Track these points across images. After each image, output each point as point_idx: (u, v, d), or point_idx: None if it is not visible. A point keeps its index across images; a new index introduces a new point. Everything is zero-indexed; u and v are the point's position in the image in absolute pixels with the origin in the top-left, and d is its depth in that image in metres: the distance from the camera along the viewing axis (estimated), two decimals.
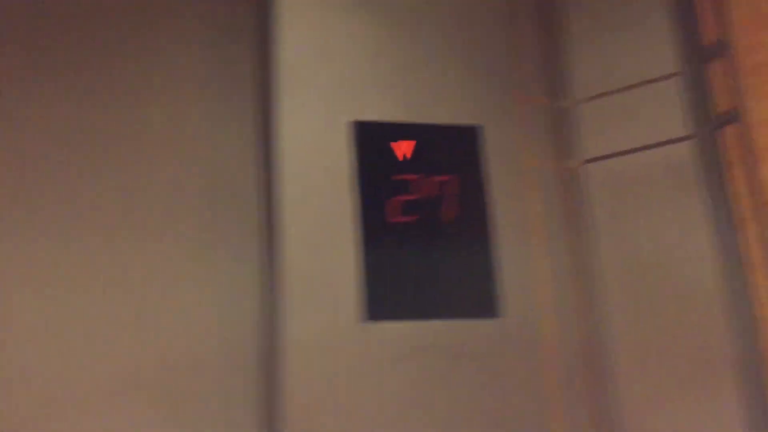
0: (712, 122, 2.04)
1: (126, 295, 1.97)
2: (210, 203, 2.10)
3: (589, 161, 2.23)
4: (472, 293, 2.03)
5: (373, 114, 2.09)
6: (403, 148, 2.10)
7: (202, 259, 2.05)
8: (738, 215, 1.94)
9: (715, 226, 1.99)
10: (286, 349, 1.85)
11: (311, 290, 1.90)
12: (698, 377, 1.95)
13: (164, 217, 2.05)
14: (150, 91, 2.13)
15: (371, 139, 2.07)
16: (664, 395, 1.98)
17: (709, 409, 1.91)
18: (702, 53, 2.09)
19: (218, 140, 2.17)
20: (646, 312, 2.05)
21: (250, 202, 2.15)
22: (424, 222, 2.05)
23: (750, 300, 1.90)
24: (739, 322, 1.91)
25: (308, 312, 1.88)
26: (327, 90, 2.06)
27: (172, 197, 2.07)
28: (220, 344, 2.03)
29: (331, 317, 1.90)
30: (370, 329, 1.91)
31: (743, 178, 1.93)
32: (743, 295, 1.91)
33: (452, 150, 2.14)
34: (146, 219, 2.03)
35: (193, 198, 2.09)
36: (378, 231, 2.00)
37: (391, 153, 2.08)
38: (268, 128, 2.11)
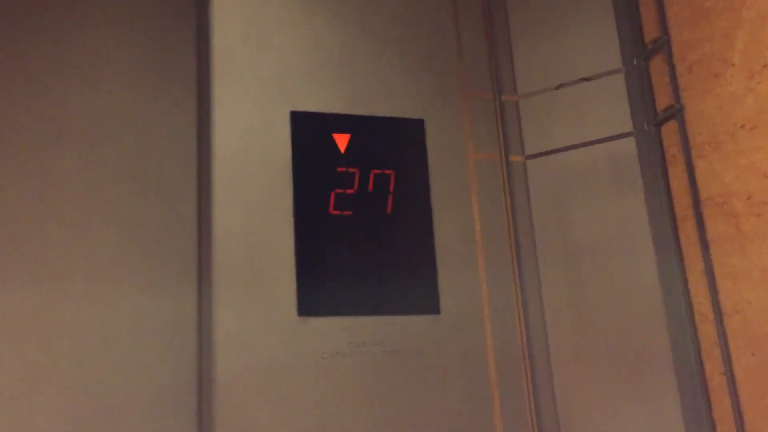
0: (654, 119, 2.04)
1: (49, 292, 1.89)
2: (140, 196, 2.03)
3: (531, 156, 2.21)
4: (411, 289, 1.99)
5: (313, 105, 2.05)
6: (344, 141, 2.05)
7: (131, 253, 1.98)
8: (678, 212, 1.94)
9: (655, 223, 1.98)
10: (218, 344, 1.80)
11: (244, 284, 1.85)
12: (636, 374, 1.94)
13: (88, 209, 1.97)
14: (71, 76, 2.05)
15: (311, 131, 2.02)
16: (602, 391, 1.97)
17: (648, 405, 1.90)
18: (644, 49, 2.09)
19: (149, 130, 2.10)
20: (584, 309, 2.04)
21: (183, 195, 2.08)
22: (363, 216, 2.01)
23: (687, 298, 1.89)
24: (677, 320, 1.90)
25: (241, 306, 1.83)
26: (264, 79, 2.01)
27: (97, 190, 1.99)
28: (151, 339, 1.96)
29: (265, 311, 1.85)
30: (305, 324, 1.87)
31: (682, 175, 1.92)
32: (681, 293, 1.91)
33: (394, 143, 2.10)
34: (68, 212, 1.95)
35: (121, 190, 2.02)
36: (316, 224, 1.95)
37: (332, 145, 2.04)
38: (204, 118, 2.05)
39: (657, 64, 2.04)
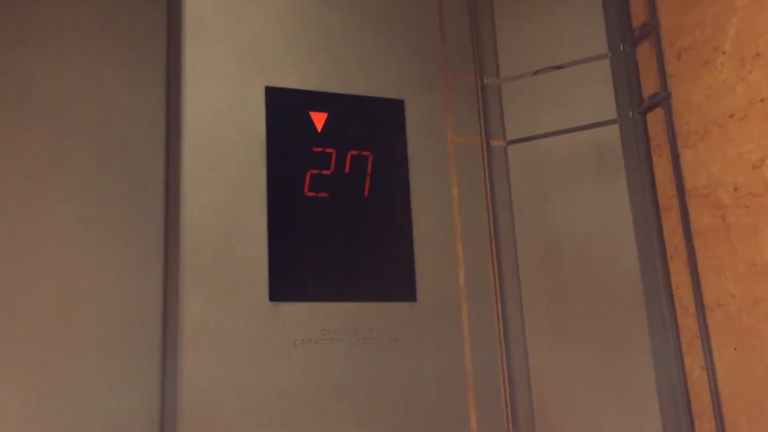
0: (640, 106, 1.99)
1: (4, 269, 1.79)
2: (104, 171, 1.93)
3: (512, 142, 2.15)
4: (387, 275, 1.93)
5: (290, 81, 1.96)
6: (321, 119, 1.97)
7: (94, 230, 1.88)
8: (662, 202, 1.90)
9: (638, 213, 1.94)
10: (184, 329, 1.72)
11: (213, 266, 1.76)
12: (614, 366, 1.90)
13: (49, 184, 1.87)
14: (32, 42, 1.93)
15: (287, 108, 1.94)
16: (579, 381, 1.93)
17: (625, 397, 1.86)
18: (632, 35, 2.04)
19: (116, 102, 1.99)
20: (562, 297, 1.99)
21: (151, 171, 1.98)
22: (339, 198, 1.93)
23: (668, 289, 1.86)
24: (657, 312, 1.86)
25: (209, 289, 1.75)
26: (238, 51, 1.92)
27: (59, 163, 1.89)
28: (114, 320, 1.86)
29: (234, 296, 1.77)
30: (276, 309, 1.79)
31: (667, 164, 1.88)
32: (662, 285, 1.87)
33: (372, 123, 2.02)
34: (28, 186, 1.84)
35: (85, 164, 1.91)
36: (290, 206, 1.87)
37: (309, 123, 1.96)
38: (174, 92, 1.95)
39: (644, 50, 1.99)
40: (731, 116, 1.68)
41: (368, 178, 1.97)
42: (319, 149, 1.94)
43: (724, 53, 1.71)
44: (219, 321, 1.74)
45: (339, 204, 1.93)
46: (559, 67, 2.13)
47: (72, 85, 1.95)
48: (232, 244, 1.79)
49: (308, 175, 1.91)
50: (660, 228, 1.89)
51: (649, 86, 1.96)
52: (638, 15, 2.01)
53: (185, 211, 1.78)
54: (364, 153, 1.99)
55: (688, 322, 1.79)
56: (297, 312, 1.81)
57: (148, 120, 2.02)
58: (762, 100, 1.59)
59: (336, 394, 1.79)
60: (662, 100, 1.90)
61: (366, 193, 1.96)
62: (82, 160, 1.91)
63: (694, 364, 1.77)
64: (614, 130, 2.02)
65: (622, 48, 2.05)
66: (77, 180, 1.89)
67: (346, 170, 1.96)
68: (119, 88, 2.00)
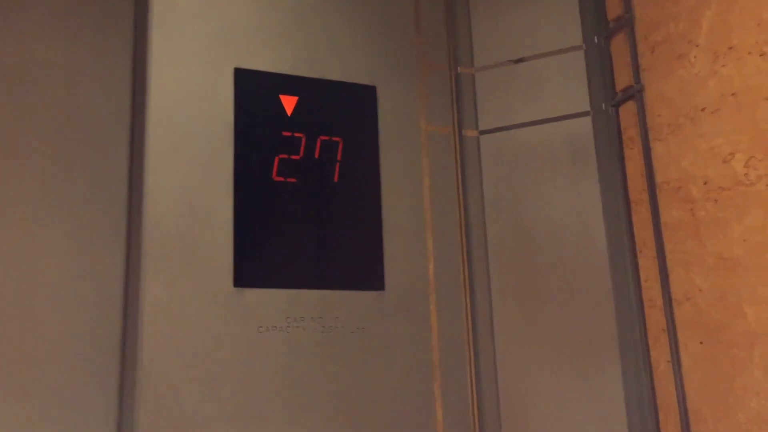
0: (613, 98, 1.98)
1: None
2: (66, 150, 1.87)
3: (485, 132, 2.13)
4: (354, 264, 1.90)
5: (260, 63, 1.92)
6: (291, 103, 1.93)
7: (55, 210, 1.83)
8: (632, 195, 1.89)
9: (609, 206, 1.93)
10: (144, 315, 1.67)
11: (176, 250, 1.72)
12: (581, 359, 1.90)
13: (10, 162, 1.81)
14: None
15: (256, 90, 1.90)
16: (546, 374, 1.92)
17: (591, 390, 1.86)
18: (607, 27, 2.03)
19: (80, 80, 1.93)
20: (531, 289, 1.98)
21: (114, 152, 1.93)
22: (308, 184, 1.90)
23: (637, 283, 1.85)
24: (625, 305, 1.86)
25: (172, 274, 1.70)
26: (207, 31, 1.87)
27: (20, 141, 1.83)
28: (73, 302, 1.81)
29: (198, 281, 1.73)
30: (240, 295, 1.75)
31: (638, 157, 1.87)
32: (631, 278, 1.86)
33: (343, 109, 1.99)
34: None
35: (47, 143, 1.86)
36: (257, 190, 1.84)
37: (278, 107, 1.92)
38: (140, 73, 1.90)
39: (619, 43, 1.98)
40: (703, 110, 1.67)
41: (338, 165, 1.94)
42: (289, 134, 1.91)
43: (697, 46, 1.70)
44: (181, 306, 1.69)
45: (308, 190, 1.90)
46: (531, 59, 2.11)
47: (34, 63, 1.89)
48: (196, 229, 1.75)
49: (277, 160, 1.88)
50: (630, 221, 1.88)
51: (623, 79, 1.95)
52: (613, 7, 2.00)
53: (149, 194, 1.74)
54: (334, 139, 1.95)
55: (655, 315, 1.78)
56: (262, 298, 1.77)
57: (113, 101, 1.96)
58: (734, 94, 1.59)
59: (301, 383, 1.76)
60: (635, 93, 1.89)
61: (335, 179, 1.93)
62: (42, 140, 1.85)
63: (660, 357, 1.77)
64: (587, 122, 2.01)
65: (596, 40, 2.04)
66: (37, 161, 1.84)
67: (316, 155, 1.92)
68: (83, 67, 1.94)
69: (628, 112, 1.93)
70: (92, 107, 1.93)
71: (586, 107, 2.02)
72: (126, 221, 1.91)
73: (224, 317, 1.73)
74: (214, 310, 1.72)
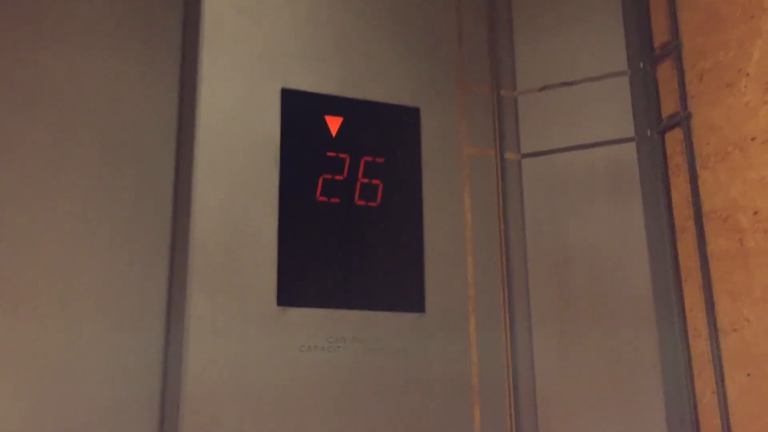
0: (658, 125, 1.97)
1: (8, 265, 1.76)
2: (112, 169, 1.90)
3: (527, 155, 2.13)
4: (396, 285, 1.90)
5: (306, 84, 1.94)
6: (336, 124, 1.95)
7: (99, 229, 1.86)
8: (678, 223, 1.87)
9: (653, 233, 1.92)
10: (190, 332, 1.68)
11: (221, 268, 1.73)
12: (622, 389, 1.88)
13: (56, 180, 1.84)
14: (43, 34, 1.90)
15: (302, 111, 1.92)
16: (586, 403, 1.90)
17: (633, 422, 1.83)
18: (652, 53, 2.02)
19: (127, 98, 1.96)
20: (571, 315, 1.97)
21: (160, 171, 1.96)
22: (351, 204, 1.91)
23: (681, 312, 1.83)
24: (669, 335, 1.84)
25: (217, 291, 1.72)
26: (255, 52, 1.89)
27: (67, 160, 1.86)
28: (117, 319, 1.83)
29: (242, 299, 1.74)
30: (283, 315, 1.76)
31: (684, 185, 1.86)
32: (675, 307, 1.84)
33: (387, 130, 2.00)
34: (34, 183, 1.81)
35: (92, 162, 1.89)
36: (301, 210, 1.85)
37: (323, 127, 1.93)
38: (188, 90, 1.93)
39: (665, 70, 1.97)
40: (753, 139, 1.66)
41: (381, 186, 1.95)
42: (333, 154, 1.92)
43: (747, 75, 1.69)
44: (225, 324, 1.71)
45: (350, 210, 1.91)
46: (574, 83, 2.11)
47: (82, 80, 1.92)
48: (241, 247, 1.77)
49: (321, 180, 1.89)
50: (675, 250, 1.87)
51: (669, 106, 1.94)
52: (660, 34, 2.00)
53: (196, 212, 1.75)
54: (377, 160, 1.96)
55: (700, 346, 1.76)
56: (304, 318, 1.78)
57: (160, 119, 2.00)
58: None
59: (340, 403, 1.76)
60: (682, 120, 1.88)
61: (378, 200, 1.94)
62: (89, 156, 1.89)
63: (705, 388, 1.74)
64: (631, 148, 2.00)
65: (642, 66, 2.03)
66: (83, 177, 1.87)
67: (360, 176, 1.93)
68: (131, 86, 1.98)
69: (674, 139, 1.92)
70: (139, 125, 1.96)
71: (631, 133, 2.01)
72: (170, 237, 1.93)
73: (267, 336, 1.73)
74: (257, 328, 1.73)
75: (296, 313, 1.78)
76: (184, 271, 1.75)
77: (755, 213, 1.64)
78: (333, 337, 1.79)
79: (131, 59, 1.99)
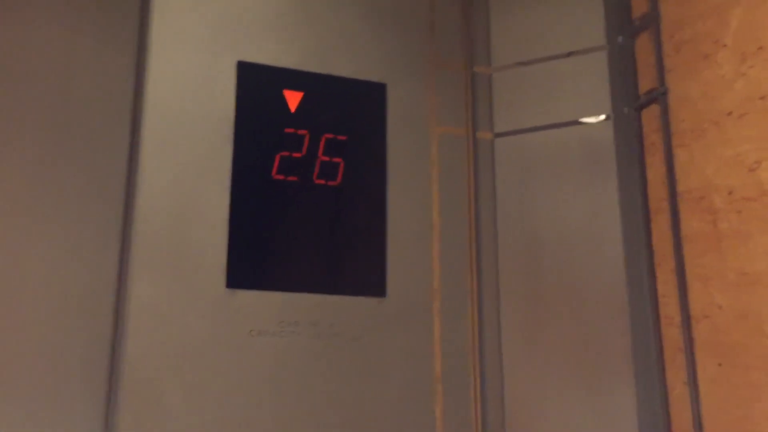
0: (635, 101, 1.87)
1: None
2: (64, 143, 1.82)
3: (500, 135, 2.03)
4: (355, 268, 1.81)
5: (264, 56, 1.85)
6: (296, 99, 1.86)
7: (50, 204, 1.78)
8: (652, 205, 1.77)
9: (627, 215, 1.82)
10: (130, 314, 1.61)
11: (167, 248, 1.66)
12: (592, 375, 1.78)
13: (4, 153, 1.76)
14: None
15: (259, 85, 1.83)
16: (554, 390, 1.80)
17: (602, 410, 1.74)
18: (631, 26, 1.91)
19: (81, 71, 1.87)
20: (542, 301, 1.87)
21: (114, 146, 1.87)
22: (309, 183, 1.82)
23: (654, 298, 1.73)
24: (641, 321, 1.74)
25: (161, 273, 1.64)
26: (210, 22, 1.81)
27: (16, 132, 1.78)
28: (65, 300, 1.75)
29: (189, 281, 1.66)
30: (233, 297, 1.68)
31: (660, 164, 1.76)
32: (648, 292, 1.75)
33: (351, 107, 1.91)
34: None
35: (44, 135, 1.81)
36: (255, 188, 1.76)
37: (282, 103, 1.85)
38: (141, 61, 1.84)
39: (643, 43, 1.86)
40: (729, 114, 1.56)
41: (342, 164, 1.86)
42: (292, 130, 1.83)
43: (725, 46, 1.59)
44: (169, 306, 1.63)
45: (309, 189, 1.82)
46: (551, 59, 2.01)
47: (33, 50, 1.84)
48: (189, 227, 1.69)
49: (278, 158, 1.80)
50: (649, 232, 1.77)
51: (647, 81, 1.84)
52: (639, 4, 1.89)
53: (141, 189, 1.68)
54: (339, 137, 1.87)
55: (672, 333, 1.66)
56: (255, 301, 1.70)
57: (115, 93, 1.91)
58: (762, 98, 1.47)
59: (291, 393, 1.68)
60: (659, 96, 1.77)
61: (339, 179, 1.85)
62: (38, 133, 1.80)
63: (676, 379, 1.64)
64: (608, 126, 1.90)
65: (620, 40, 1.93)
66: (32, 154, 1.78)
67: (320, 154, 1.85)
68: (85, 55, 1.89)
69: (651, 116, 1.81)
70: (93, 97, 1.88)
71: (608, 111, 1.91)
72: (122, 217, 1.85)
73: (214, 319, 1.66)
74: (203, 311, 1.65)
75: (246, 296, 1.69)
76: (128, 251, 1.67)
77: (729, 193, 1.53)
78: (285, 321, 1.71)
79: (86, 29, 1.90)
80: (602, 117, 1.91)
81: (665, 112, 1.75)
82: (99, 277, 1.79)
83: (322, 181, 1.83)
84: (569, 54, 1.99)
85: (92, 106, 1.87)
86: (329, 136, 1.86)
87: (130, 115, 1.90)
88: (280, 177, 1.79)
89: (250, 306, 1.69)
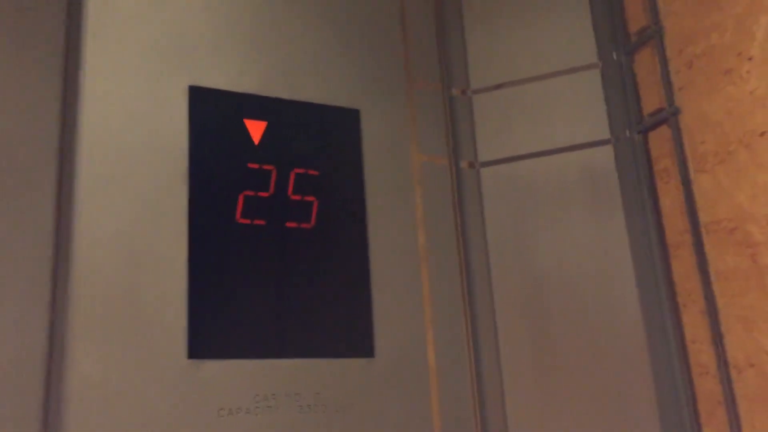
0: (639, 124, 1.69)
1: None
2: None
3: (486, 164, 1.82)
4: (337, 325, 1.55)
5: (220, 81, 1.58)
6: (259, 129, 1.59)
7: None
8: (671, 238, 1.58)
9: (639, 250, 1.63)
10: (70, 395, 1.29)
11: (114, 312, 1.35)
12: (611, 426, 1.56)
13: None
14: None
15: (216, 113, 1.55)
16: None
17: None
18: (628, 41, 1.74)
19: (6, 102, 1.56)
20: (548, 350, 1.65)
21: (39, 189, 1.55)
22: (279, 227, 1.55)
23: (681, 344, 1.54)
24: (666, 372, 1.54)
25: (106, 343, 1.33)
26: (155, 42, 1.53)
27: None
28: None
29: (142, 352, 1.35)
30: (197, 369, 1.39)
31: (676, 192, 1.57)
32: (672, 339, 1.55)
33: (320, 137, 1.66)
34: None
35: None
36: (217, 235, 1.48)
37: (243, 134, 1.57)
38: (71, 92, 1.54)
39: (644, 59, 1.69)
40: (762, 134, 1.38)
41: (315, 203, 1.60)
42: (256, 166, 1.56)
43: (750, 59, 1.42)
44: (119, 385, 1.32)
45: (279, 233, 1.55)
46: (539, 78, 1.82)
47: None
48: (140, 284, 1.38)
49: (241, 198, 1.53)
50: (669, 269, 1.58)
51: (651, 101, 1.66)
52: (636, 18, 1.72)
53: (78, 240, 1.37)
54: (310, 172, 1.61)
55: (708, 384, 1.47)
56: (224, 372, 1.41)
57: (37, 125, 1.59)
58: None
59: None
60: (668, 116, 1.60)
61: (312, 221, 1.59)
62: None
63: None
64: (608, 151, 1.71)
65: (615, 56, 1.75)
66: None
67: (289, 192, 1.58)
68: (3, 84, 1.57)
69: (659, 138, 1.63)
70: (11, 133, 1.56)
71: (606, 134, 1.72)
72: (51, 274, 1.52)
73: (175, 398, 1.35)
74: (162, 389, 1.35)
75: (213, 367, 1.40)
76: (64, 318, 1.35)
77: None
78: (261, 394, 1.42)
79: (13, 55, 1.59)
80: (600, 141, 1.72)
81: (677, 134, 1.58)
82: (25, 348, 1.46)
83: (294, 224, 1.57)
84: (556, 73, 1.80)
85: (12, 141, 1.55)
86: (299, 170, 1.60)
87: (57, 152, 1.59)
88: (246, 221, 1.52)
89: (218, 379, 1.39)
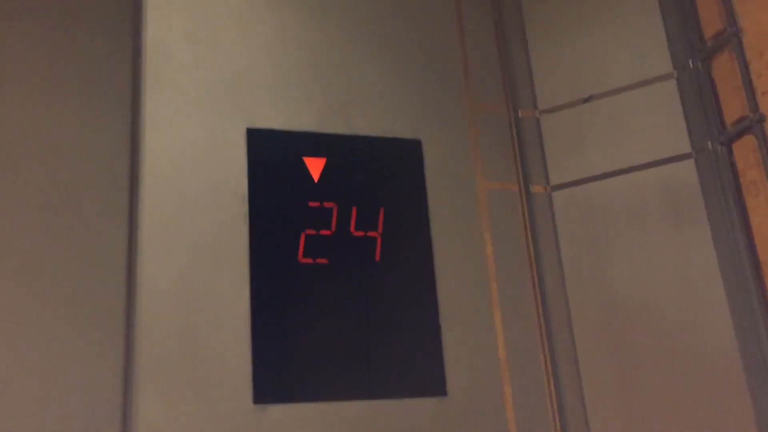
0: (721, 134, 1.57)
1: None
2: (57, 235, 1.53)
3: (557, 187, 1.73)
4: (407, 364, 1.50)
5: (277, 120, 1.57)
6: (318, 166, 1.57)
7: (44, 310, 1.48)
8: (763, 257, 1.45)
9: (730, 271, 1.50)
10: None
11: (176, 361, 1.35)
12: None
13: None
14: None
15: (274, 153, 1.55)
16: None
17: None
18: (704, 47, 1.63)
19: (71, 152, 1.61)
20: (637, 388, 1.55)
21: (112, 236, 1.58)
22: (343, 265, 1.52)
23: None
24: (767, 395, 1.41)
25: (172, 392, 1.33)
26: (212, 86, 1.54)
27: (5, 228, 1.50)
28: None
29: (207, 399, 1.35)
30: (263, 415, 1.36)
31: (766, 206, 1.44)
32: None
33: (382, 170, 1.62)
34: None
35: (34, 228, 1.53)
36: (279, 277, 1.46)
37: (302, 172, 1.56)
38: (136, 137, 1.57)
39: (722, 65, 1.58)
40: None
41: (379, 239, 1.56)
42: (317, 203, 1.54)
43: None
44: None
45: (343, 272, 1.52)
46: (610, 94, 1.72)
47: (19, 132, 1.57)
48: (203, 330, 1.38)
49: (303, 237, 1.51)
50: (763, 288, 1.44)
51: (733, 109, 1.55)
52: (711, 22, 1.61)
53: (143, 286, 1.38)
54: (373, 207, 1.58)
55: None
56: (290, 417, 1.38)
57: (109, 173, 1.63)
58: None
59: None
60: (753, 124, 1.48)
61: (377, 257, 1.55)
62: (29, 223, 1.52)
63: None
64: (689, 166, 1.60)
65: (691, 64, 1.64)
66: (26, 247, 1.50)
67: (352, 229, 1.55)
68: (74, 136, 1.62)
69: (745, 149, 1.51)
70: (84, 182, 1.60)
71: (686, 148, 1.61)
72: (125, 322, 1.55)
73: None
74: None
75: (279, 412, 1.38)
76: (132, 369, 1.36)
77: None
78: None
79: (75, 106, 1.64)
80: (680, 156, 1.61)
81: (764, 143, 1.45)
82: (101, 399, 1.48)
83: (358, 262, 1.53)
84: (628, 87, 1.71)
85: (86, 189, 1.59)
86: (361, 206, 1.57)
87: (128, 198, 1.62)
88: (308, 260, 1.49)
89: (284, 424, 1.37)
